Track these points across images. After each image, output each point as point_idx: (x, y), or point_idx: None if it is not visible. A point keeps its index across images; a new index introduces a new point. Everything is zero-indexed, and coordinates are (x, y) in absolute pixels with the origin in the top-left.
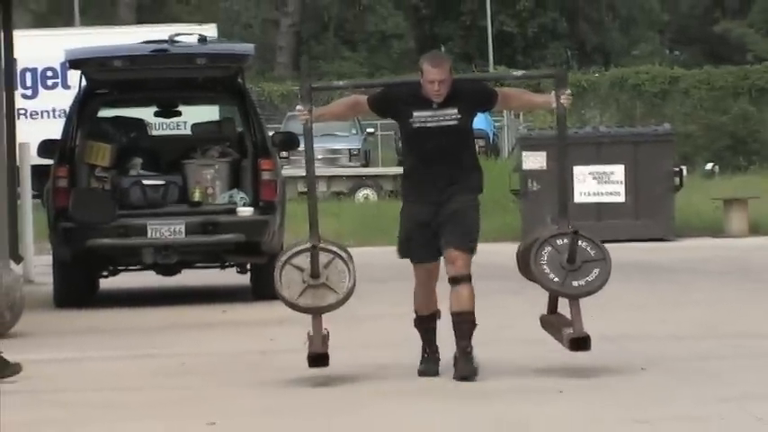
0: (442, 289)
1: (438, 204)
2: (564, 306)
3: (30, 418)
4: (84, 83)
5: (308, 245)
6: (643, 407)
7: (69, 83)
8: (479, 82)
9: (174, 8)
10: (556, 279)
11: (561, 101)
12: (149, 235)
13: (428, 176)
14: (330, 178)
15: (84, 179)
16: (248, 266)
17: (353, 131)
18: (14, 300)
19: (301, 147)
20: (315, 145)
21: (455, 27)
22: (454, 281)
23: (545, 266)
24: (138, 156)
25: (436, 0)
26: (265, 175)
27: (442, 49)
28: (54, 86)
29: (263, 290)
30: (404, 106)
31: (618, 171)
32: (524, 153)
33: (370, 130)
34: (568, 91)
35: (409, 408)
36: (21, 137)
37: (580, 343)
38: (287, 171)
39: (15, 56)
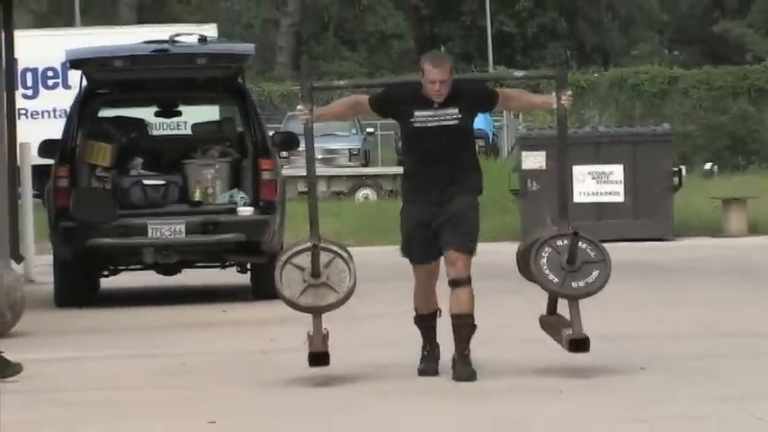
0: (443, 289)
1: (438, 204)
2: (563, 307)
3: (30, 418)
4: (84, 83)
5: (309, 244)
6: (642, 406)
7: (70, 83)
8: (480, 82)
9: (174, 8)
10: (555, 280)
11: (562, 102)
12: (150, 235)
13: (428, 176)
14: (330, 178)
15: (84, 179)
16: (248, 266)
17: (353, 131)
18: (15, 299)
19: (302, 147)
20: (315, 145)
21: (455, 27)
22: (454, 283)
23: (545, 267)
24: (138, 156)
25: (436, 0)
26: (265, 175)
27: (442, 48)
28: (55, 86)
29: (263, 289)
30: (405, 106)
31: (617, 171)
32: (524, 153)
33: (370, 129)
34: (569, 92)
35: (409, 407)
36: (21, 137)
37: (579, 344)
38: (287, 171)
39: (16, 56)
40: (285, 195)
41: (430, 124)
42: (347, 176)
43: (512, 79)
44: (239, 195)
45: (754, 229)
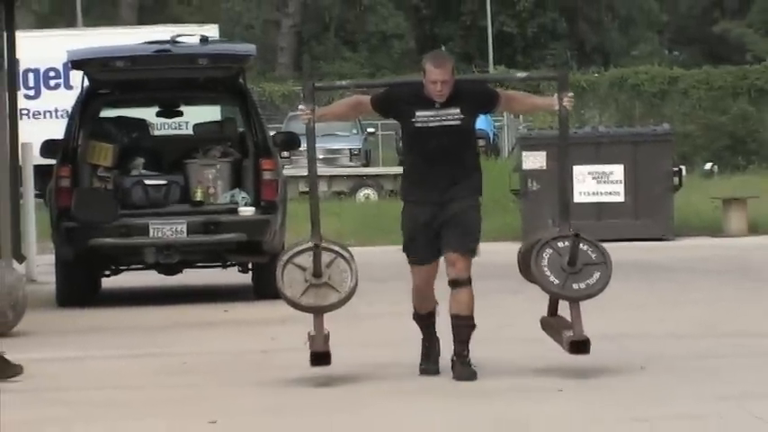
0: (443, 290)
1: (439, 205)
2: (564, 308)
3: (32, 417)
4: (86, 83)
5: (311, 244)
6: (642, 406)
7: (72, 83)
8: (482, 83)
9: (175, 9)
10: (556, 281)
11: (563, 103)
12: (151, 234)
13: (430, 176)
14: (331, 178)
15: (86, 179)
16: (250, 266)
17: (354, 131)
18: (17, 299)
19: (303, 147)
20: (316, 145)
21: (455, 27)
22: (454, 284)
23: (546, 268)
24: (140, 156)
25: (437, 0)
26: (267, 175)
27: (443, 49)
28: (56, 87)
29: (264, 289)
30: (406, 106)
31: (617, 171)
32: (524, 153)
33: (371, 129)
34: (570, 93)
35: (409, 407)
36: (23, 137)
37: (580, 346)
38: (288, 171)
39: (18, 56)
40: (286, 195)
41: (431, 124)
42: (348, 176)
43: (515, 81)
44: (240, 195)
45: (754, 229)
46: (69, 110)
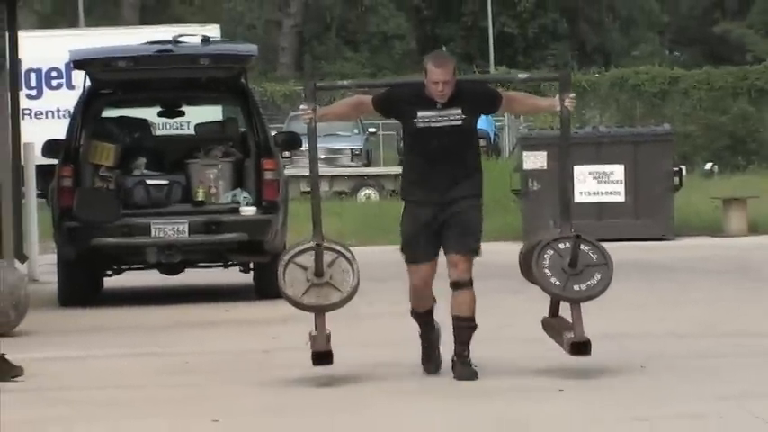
0: (444, 290)
1: (440, 205)
2: (565, 309)
3: (34, 416)
4: (88, 83)
5: (312, 243)
6: (642, 405)
7: (74, 83)
8: (483, 84)
9: (177, 9)
10: (557, 283)
11: (565, 104)
12: (153, 234)
13: (431, 177)
14: (332, 178)
15: (88, 179)
16: (251, 265)
17: (355, 131)
18: (19, 298)
19: (304, 147)
20: (317, 145)
21: (456, 28)
22: (456, 285)
23: (546, 270)
24: (141, 156)
25: (438, 1)
26: (268, 175)
27: (444, 49)
28: (58, 87)
29: (265, 289)
30: (408, 106)
31: (618, 171)
32: (525, 153)
33: (372, 129)
34: (572, 95)
35: (410, 406)
36: (25, 137)
37: (581, 347)
38: (289, 171)
39: (20, 56)
40: (288, 195)
41: (433, 125)
42: (349, 176)
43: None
44: (242, 195)
45: (754, 229)
46: (71, 110)
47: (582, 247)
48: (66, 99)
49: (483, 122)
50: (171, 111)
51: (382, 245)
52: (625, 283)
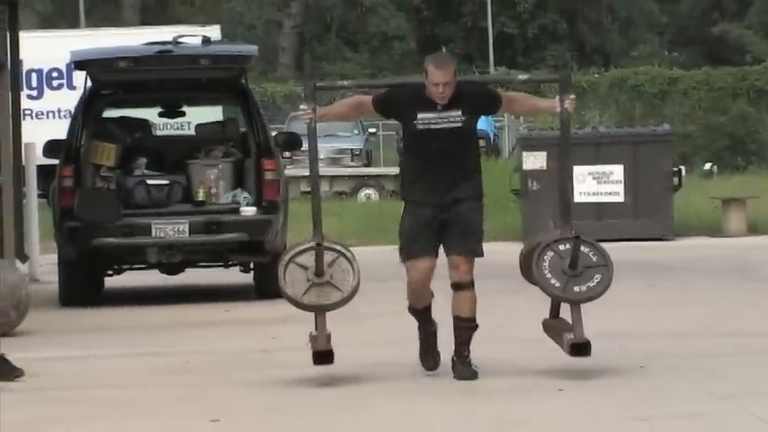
0: (444, 291)
1: (440, 206)
2: (566, 310)
3: (35, 416)
4: (89, 83)
5: (313, 243)
6: (642, 405)
7: (74, 83)
8: (484, 85)
9: (177, 9)
10: (557, 284)
11: (565, 105)
12: (154, 234)
13: (431, 178)
14: (332, 178)
15: (89, 179)
16: (251, 265)
17: (356, 132)
18: (20, 298)
19: (304, 147)
20: (318, 145)
21: (456, 28)
22: (457, 286)
23: (547, 271)
24: (142, 156)
25: (437, 2)
26: (268, 175)
27: (443, 50)
28: (59, 87)
29: (266, 288)
30: (408, 107)
31: (617, 171)
32: (524, 153)
33: (372, 130)
34: (572, 96)
35: (410, 406)
36: (26, 137)
37: (580, 348)
38: (290, 171)
39: (21, 57)
40: (288, 195)
41: (433, 126)
42: (349, 176)
43: (516, 83)
44: (242, 195)
45: (753, 229)
46: (72, 110)
47: (582, 248)
48: (67, 99)
49: (483, 123)
50: (171, 111)
51: (382, 245)
52: (625, 283)
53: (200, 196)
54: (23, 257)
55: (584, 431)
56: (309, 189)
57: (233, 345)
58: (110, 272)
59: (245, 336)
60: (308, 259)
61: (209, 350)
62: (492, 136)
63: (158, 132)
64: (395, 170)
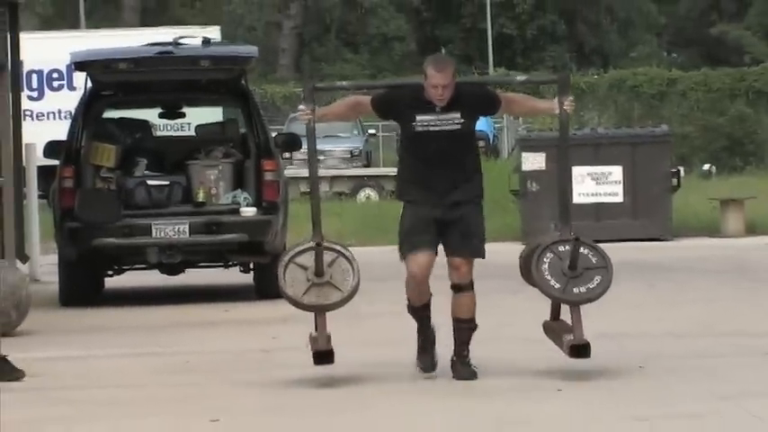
0: (443, 291)
1: (440, 206)
2: (566, 311)
3: (35, 415)
4: (89, 85)
5: (312, 243)
6: (641, 405)
7: (75, 84)
8: (483, 86)
9: (177, 11)
10: (557, 285)
11: (564, 107)
12: (154, 235)
13: (430, 180)
14: (332, 178)
15: (89, 180)
16: (251, 266)
17: (355, 132)
18: (20, 298)
19: (304, 147)
20: (326, 146)
21: (455, 29)
22: (457, 288)
23: (546, 273)
24: (142, 157)
25: (437, 3)
26: (268, 176)
27: (443, 51)
28: (60, 88)
29: (266, 289)
30: (406, 109)
31: (616, 172)
32: (524, 154)
33: (372, 131)
34: (571, 97)
35: (410, 406)
36: (27, 138)
37: (580, 350)
38: (289, 171)
39: (22, 58)
40: (288, 196)
41: (432, 129)
42: (349, 177)
43: (515, 84)
44: (242, 196)
45: (751, 230)
46: (72, 111)
47: (581, 249)
48: (68, 100)
49: (482, 124)
50: (171, 112)
51: (382, 245)
52: (624, 284)
53: (201, 197)
54: (24, 258)
55: (584, 431)
56: (309, 190)
57: (233, 345)
58: (110, 272)
59: (245, 336)
60: (308, 259)
61: (209, 350)
62: (491, 137)
63: (158, 133)
64: (394, 171)
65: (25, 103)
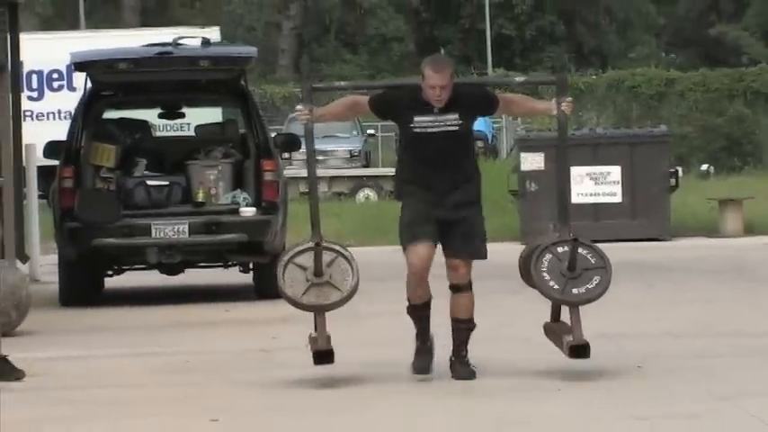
0: (442, 292)
1: (440, 206)
2: (566, 313)
3: (35, 415)
4: (89, 85)
5: (311, 243)
6: (640, 405)
7: (75, 85)
8: (481, 87)
9: (177, 11)
10: (556, 286)
11: (562, 107)
12: (153, 235)
13: (429, 180)
14: (331, 179)
15: (89, 180)
16: (251, 266)
17: (354, 133)
18: (20, 298)
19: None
20: (317, 146)
21: (454, 30)
22: (456, 288)
23: (545, 274)
24: (142, 157)
25: (436, 4)
26: (268, 176)
27: (442, 51)
28: (60, 88)
29: (265, 289)
30: (404, 110)
31: (615, 172)
32: (522, 154)
33: (371, 131)
34: (569, 98)
35: (410, 406)
36: (27, 138)
37: (579, 350)
38: (289, 172)
39: (21, 58)
40: (287, 196)
41: (430, 130)
42: (348, 177)
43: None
44: (242, 196)
45: (749, 230)
46: (72, 111)
47: (580, 250)
48: (68, 101)
49: (481, 124)
50: (171, 112)
51: (381, 245)
52: (622, 284)
53: (200, 197)
54: (24, 258)
55: (584, 431)
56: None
57: (233, 345)
58: (110, 272)
59: (245, 336)
60: (307, 260)
61: (208, 350)
62: (490, 137)
63: (158, 133)
64: (393, 171)
65: (25, 104)
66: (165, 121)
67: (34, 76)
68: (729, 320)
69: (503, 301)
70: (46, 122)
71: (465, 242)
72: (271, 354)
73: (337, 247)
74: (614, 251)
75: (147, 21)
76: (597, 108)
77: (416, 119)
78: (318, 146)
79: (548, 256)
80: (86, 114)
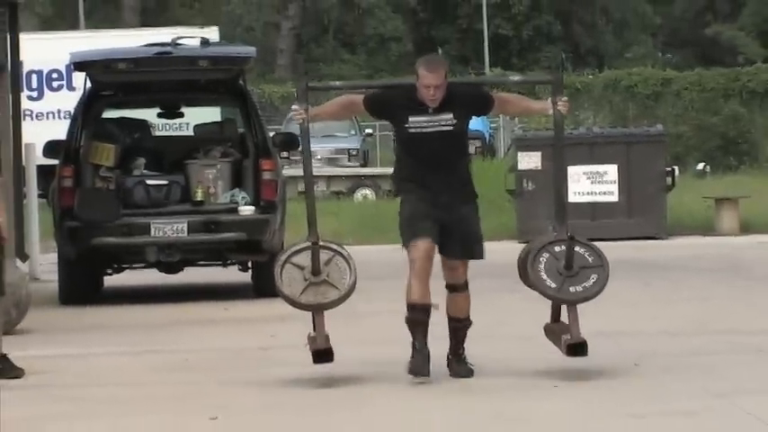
0: (440, 291)
1: (437, 205)
2: (565, 313)
3: (35, 413)
4: (88, 85)
5: (308, 243)
6: (637, 402)
7: (74, 85)
8: (476, 86)
9: (176, 11)
10: (553, 285)
11: (558, 107)
12: (153, 233)
13: (425, 179)
14: (329, 178)
15: (88, 179)
16: (250, 264)
17: (352, 132)
18: (20, 297)
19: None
20: (314, 145)
21: (452, 30)
22: (453, 288)
23: (542, 273)
24: (141, 156)
25: (433, 4)
26: (266, 175)
27: (439, 51)
28: (59, 88)
29: (264, 287)
30: (399, 110)
31: (611, 171)
32: (519, 153)
33: (369, 130)
34: (565, 98)
35: (409, 404)
36: (26, 137)
37: (577, 349)
38: (288, 171)
39: (21, 58)
40: (285, 195)
41: (425, 130)
42: (346, 176)
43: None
44: (240, 195)
45: (745, 228)
46: (72, 111)
47: (577, 248)
48: (67, 100)
49: (478, 123)
50: (170, 112)
51: (379, 244)
52: (619, 282)
53: (199, 196)
54: (24, 256)
55: (582, 428)
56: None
57: (232, 343)
58: (109, 271)
59: (244, 334)
60: (305, 259)
61: (208, 348)
62: (487, 136)
63: (157, 133)
64: (391, 170)
65: (25, 103)
66: (164, 121)
67: (34, 76)
68: (725, 318)
69: (500, 299)
70: (45, 122)
71: (464, 244)
72: (269, 352)
73: (334, 246)
74: (611, 250)
75: (146, 21)
76: (594, 107)
77: (411, 119)
78: (316, 145)
79: (545, 255)
80: (86, 114)
